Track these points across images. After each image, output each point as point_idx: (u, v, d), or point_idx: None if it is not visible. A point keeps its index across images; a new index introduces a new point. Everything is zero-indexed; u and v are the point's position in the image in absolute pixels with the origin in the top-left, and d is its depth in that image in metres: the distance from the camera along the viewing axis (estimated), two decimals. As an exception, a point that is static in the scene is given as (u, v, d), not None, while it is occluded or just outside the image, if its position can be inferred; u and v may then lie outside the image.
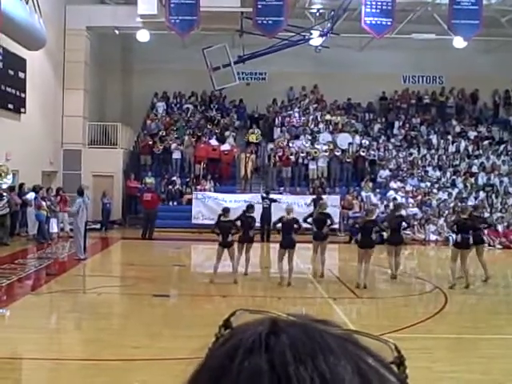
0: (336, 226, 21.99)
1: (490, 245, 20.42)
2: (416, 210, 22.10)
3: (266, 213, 18.94)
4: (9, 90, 18.86)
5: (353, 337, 0.60)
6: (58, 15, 22.74)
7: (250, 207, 13.37)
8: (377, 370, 0.58)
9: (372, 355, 0.59)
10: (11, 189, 18.19)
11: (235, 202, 21.22)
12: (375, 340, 0.61)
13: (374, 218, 13.12)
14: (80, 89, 23.83)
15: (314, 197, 20.20)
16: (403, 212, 16.24)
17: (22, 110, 19.90)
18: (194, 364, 0.60)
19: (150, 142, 25.04)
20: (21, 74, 19.68)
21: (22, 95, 19.84)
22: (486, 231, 20.53)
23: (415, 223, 21.36)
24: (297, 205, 20.26)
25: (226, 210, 12.92)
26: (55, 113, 23.23)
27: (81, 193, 15.40)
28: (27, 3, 17.79)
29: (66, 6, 23.38)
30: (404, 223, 13.71)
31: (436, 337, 8.67)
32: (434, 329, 9.12)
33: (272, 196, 20.65)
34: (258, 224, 14.48)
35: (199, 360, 0.60)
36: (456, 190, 23.53)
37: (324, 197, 21.35)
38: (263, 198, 19.62)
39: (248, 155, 24.00)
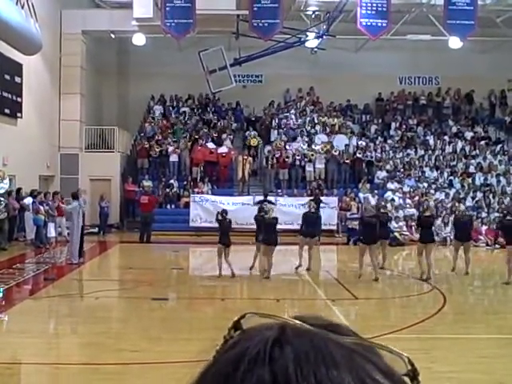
0: (334, 228, 22.07)
1: (487, 244, 20.50)
2: (413, 210, 22.11)
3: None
4: (5, 94, 18.84)
5: (362, 348, 0.58)
6: (53, 19, 22.75)
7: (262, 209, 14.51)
8: None
9: (381, 369, 0.57)
10: (9, 193, 18.17)
11: (233, 205, 21.22)
12: (388, 352, 0.59)
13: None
14: (76, 93, 23.82)
15: (312, 198, 20.16)
16: (389, 205, 18.35)
17: (19, 114, 19.88)
18: (199, 367, 0.60)
19: (147, 146, 25.02)
20: (17, 79, 19.67)
21: (19, 100, 19.82)
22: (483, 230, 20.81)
23: (413, 224, 21.35)
24: (294, 207, 20.26)
25: (224, 212, 13.71)
26: (52, 117, 23.21)
27: (75, 197, 15.35)
28: (23, 8, 17.79)
29: (62, 11, 23.39)
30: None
31: (435, 337, 8.67)
32: (433, 329, 9.12)
33: (268, 198, 20.59)
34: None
35: (205, 363, 0.60)
36: (453, 191, 23.56)
37: (322, 198, 21.45)
38: (263, 201, 19.59)
39: (245, 158, 23.99)
